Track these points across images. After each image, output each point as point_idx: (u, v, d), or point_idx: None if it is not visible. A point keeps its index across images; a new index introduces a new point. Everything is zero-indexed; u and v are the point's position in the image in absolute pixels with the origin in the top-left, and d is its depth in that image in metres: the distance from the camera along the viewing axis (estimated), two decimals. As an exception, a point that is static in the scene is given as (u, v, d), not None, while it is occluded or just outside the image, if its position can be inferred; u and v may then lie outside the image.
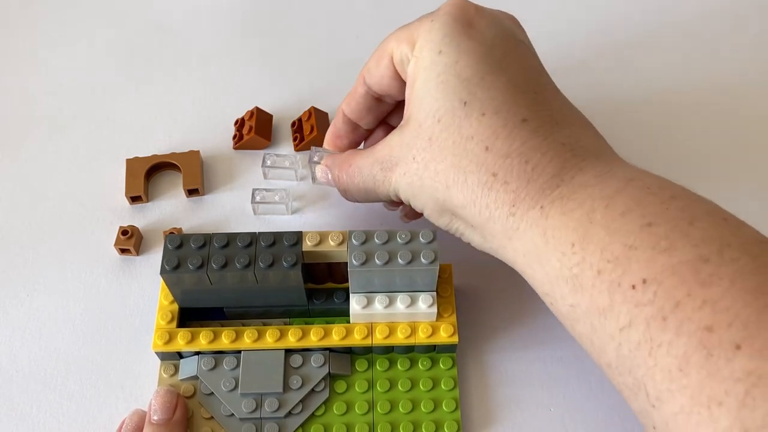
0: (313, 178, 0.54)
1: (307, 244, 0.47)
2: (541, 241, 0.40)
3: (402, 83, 0.48)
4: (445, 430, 0.47)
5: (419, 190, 0.45)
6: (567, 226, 0.40)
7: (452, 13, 0.44)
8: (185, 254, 0.46)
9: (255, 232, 0.47)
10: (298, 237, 0.47)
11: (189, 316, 0.50)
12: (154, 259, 0.56)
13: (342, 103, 0.53)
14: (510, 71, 0.43)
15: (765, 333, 0.33)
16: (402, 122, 0.46)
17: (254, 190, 0.57)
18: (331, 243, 0.47)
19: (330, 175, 0.52)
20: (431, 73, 0.43)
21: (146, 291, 0.54)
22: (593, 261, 0.38)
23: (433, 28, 0.44)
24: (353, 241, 0.46)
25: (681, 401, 0.34)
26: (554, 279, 0.40)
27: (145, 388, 0.50)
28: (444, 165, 0.43)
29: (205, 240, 0.47)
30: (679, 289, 0.35)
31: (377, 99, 0.51)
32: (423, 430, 0.47)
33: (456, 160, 0.42)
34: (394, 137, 0.46)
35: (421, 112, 0.44)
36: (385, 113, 0.54)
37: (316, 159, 0.53)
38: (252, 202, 0.57)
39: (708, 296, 0.34)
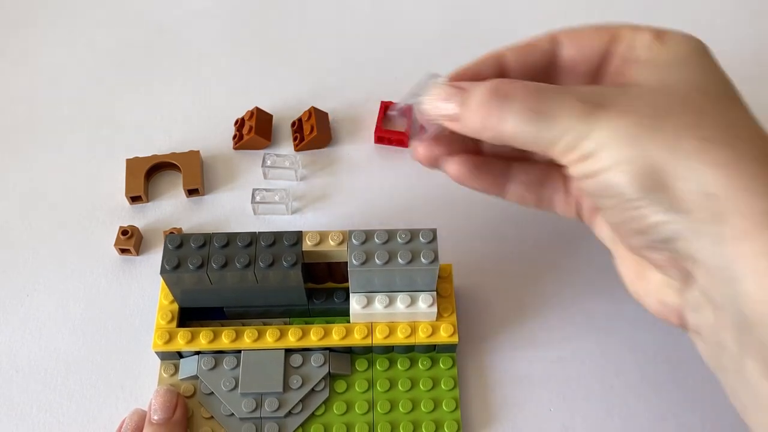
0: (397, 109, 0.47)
1: (307, 244, 0.47)
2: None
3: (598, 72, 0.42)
4: (445, 429, 0.47)
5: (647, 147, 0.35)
6: None
7: (694, 39, 0.39)
8: (185, 254, 0.46)
9: (255, 232, 0.47)
10: (298, 237, 0.47)
11: (189, 315, 0.50)
12: (154, 259, 0.56)
13: (505, 50, 0.43)
14: (738, 99, 0.38)
15: None
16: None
17: (254, 190, 0.57)
18: (331, 243, 0.47)
19: (464, 105, 0.39)
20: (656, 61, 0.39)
21: (146, 291, 0.54)
22: None
23: (691, 43, 0.39)
24: (353, 240, 0.46)
25: None
26: None
27: (145, 387, 0.50)
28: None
29: (205, 240, 0.47)
30: None
31: (555, 67, 0.43)
32: (423, 429, 0.47)
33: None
34: (599, 88, 0.38)
35: (673, 81, 0.37)
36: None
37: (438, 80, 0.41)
38: (252, 202, 0.57)
39: None
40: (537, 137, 0.37)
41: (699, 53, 0.39)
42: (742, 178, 0.33)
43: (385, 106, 0.63)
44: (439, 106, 0.40)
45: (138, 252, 0.56)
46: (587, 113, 0.35)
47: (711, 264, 0.34)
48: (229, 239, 0.47)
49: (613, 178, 0.35)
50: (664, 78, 0.37)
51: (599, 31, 0.41)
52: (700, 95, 0.36)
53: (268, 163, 0.58)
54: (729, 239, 0.33)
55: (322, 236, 0.48)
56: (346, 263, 0.47)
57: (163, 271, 0.46)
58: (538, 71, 0.42)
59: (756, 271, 0.32)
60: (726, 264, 0.33)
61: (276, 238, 0.47)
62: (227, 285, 0.47)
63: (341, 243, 0.47)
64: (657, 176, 0.34)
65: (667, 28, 0.40)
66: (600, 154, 0.35)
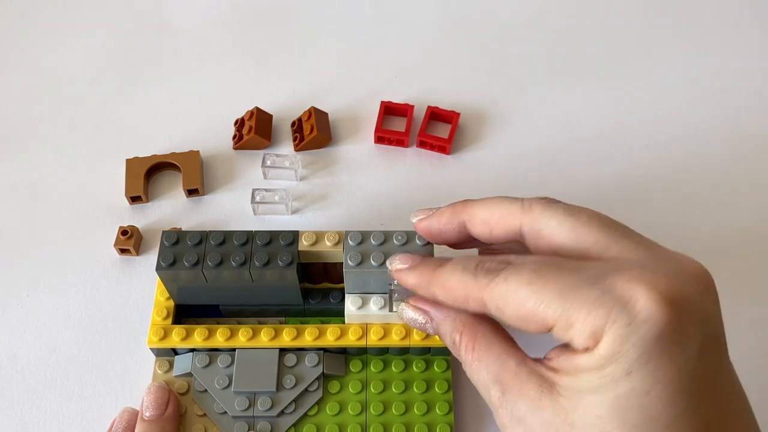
0: (392, 308, 0.46)
1: (303, 244, 0.47)
2: None
3: None
4: (438, 432, 0.47)
5: None
6: None
7: (658, 322, 0.32)
8: (181, 251, 0.47)
9: (251, 231, 0.48)
10: (294, 236, 0.47)
11: (185, 313, 0.51)
12: (153, 259, 0.55)
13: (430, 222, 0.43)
14: (704, 409, 0.33)
15: None
16: (544, 383, 0.35)
17: (254, 191, 0.57)
18: (327, 243, 0.47)
19: (434, 325, 0.41)
20: (613, 398, 0.33)
21: (146, 291, 0.54)
22: None
23: (631, 338, 0.32)
24: (349, 241, 0.46)
25: None
26: None
27: (145, 387, 0.50)
28: None
29: (202, 237, 0.47)
30: None
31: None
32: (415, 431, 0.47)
33: None
34: (528, 387, 0.36)
35: (581, 422, 0.34)
36: None
37: (396, 296, 0.44)
38: (252, 202, 0.57)
39: None
40: None
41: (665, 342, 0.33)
42: None
43: (385, 106, 0.63)
44: (407, 320, 0.42)
45: (138, 252, 0.56)
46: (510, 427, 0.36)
47: None
48: (226, 237, 0.47)
49: None
50: (581, 400, 0.34)
51: (529, 314, 0.35)
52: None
53: (268, 163, 0.58)
54: None
55: (318, 236, 0.48)
56: (342, 264, 0.47)
57: (158, 268, 0.46)
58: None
59: None
60: None
61: (272, 237, 0.47)
62: (223, 283, 0.47)
63: (337, 243, 0.47)
64: None
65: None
66: None
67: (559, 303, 0.33)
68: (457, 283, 0.37)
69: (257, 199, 0.57)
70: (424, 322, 0.41)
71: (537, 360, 0.36)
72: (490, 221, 0.40)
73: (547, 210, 0.38)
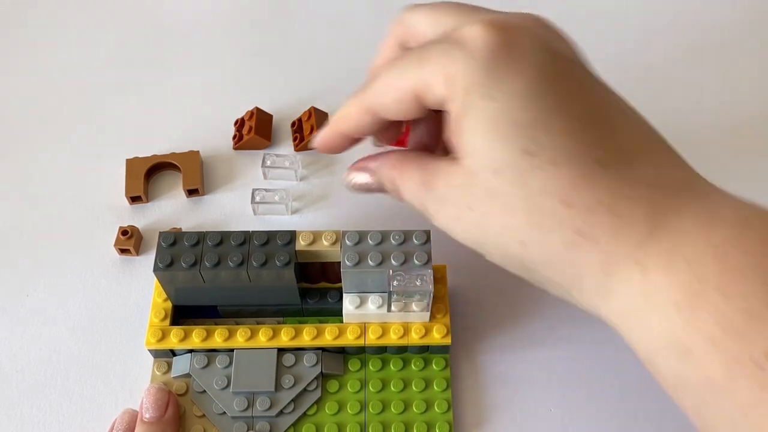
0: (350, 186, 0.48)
1: (301, 244, 0.47)
2: (640, 301, 0.35)
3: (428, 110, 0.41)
4: (437, 430, 0.47)
5: (482, 240, 0.40)
6: (669, 284, 0.34)
7: (487, 42, 0.37)
8: (179, 252, 0.47)
9: (248, 231, 0.48)
10: (291, 236, 0.47)
11: (183, 314, 0.51)
12: (153, 259, 0.56)
13: (338, 124, 0.46)
14: (570, 104, 0.37)
15: None
16: (453, 156, 0.40)
17: (254, 191, 0.57)
18: (325, 243, 0.47)
19: (376, 178, 0.45)
20: (481, 121, 0.37)
21: (146, 291, 0.54)
22: (703, 327, 0.33)
23: (470, 66, 0.37)
24: (346, 241, 0.46)
25: None
26: (657, 344, 0.35)
27: (145, 387, 0.50)
28: (515, 221, 0.37)
29: (199, 238, 0.47)
30: None
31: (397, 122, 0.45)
32: (414, 430, 0.47)
33: (528, 217, 0.37)
34: (442, 167, 0.40)
35: (475, 161, 0.38)
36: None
37: (395, 297, 0.47)
38: (252, 203, 0.57)
39: None
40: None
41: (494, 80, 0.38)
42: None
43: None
44: (358, 184, 0.47)
45: (138, 252, 0.56)
46: (435, 211, 0.41)
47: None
48: (223, 238, 0.47)
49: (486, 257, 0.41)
50: (465, 144, 0.38)
51: (399, 95, 0.41)
52: (493, 177, 0.37)
53: (268, 163, 0.58)
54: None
55: (316, 236, 0.48)
56: (339, 263, 0.47)
57: (156, 269, 0.46)
58: (392, 128, 0.47)
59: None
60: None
61: (269, 237, 0.47)
62: (220, 283, 0.47)
63: (334, 243, 0.47)
64: (520, 264, 0.40)
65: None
66: (463, 243, 0.41)
67: (416, 69, 0.39)
68: (348, 108, 0.44)
69: (257, 199, 0.57)
70: (369, 179, 0.46)
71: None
72: (354, 126, 0.44)
73: (412, 14, 0.44)
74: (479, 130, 0.37)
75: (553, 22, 0.40)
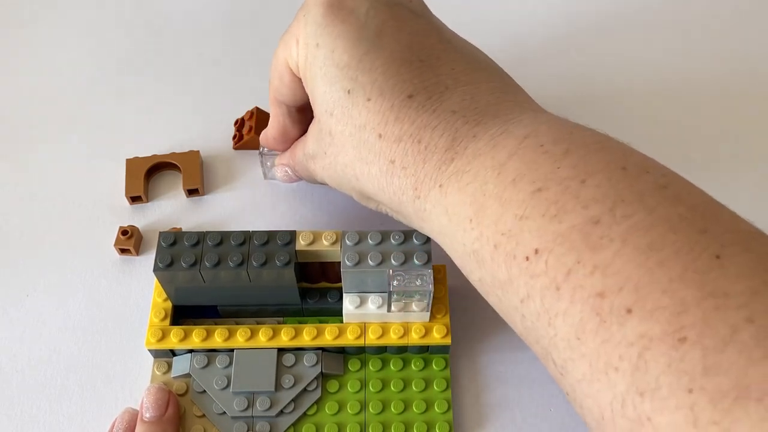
0: (266, 175, 0.58)
1: (301, 244, 0.47)
2: (445, 220, 0.40)
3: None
4: (437, 430, 0.47)
5: (339, 182, 0.46)
6: (464, 202, 0.39)
7: (322, 2, 0.43)
8: (179, 252, 0.47)
9: (248, 231, 0.48)
10: (291, 236, 0.47)
11: (183, 314, 0.51)
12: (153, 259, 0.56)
13: (268, 135, 0.53)
14: (389, 45, 0.41)
15: (656, 294, 0.32)
16: (316, 115, 0.46)
17: (262, 155, 0.57)
18: (325, 243, 0.47)
19: (290, 170, 0.53)
20: (314, 68, 0.43)
21: (146, 291, 0.54)
22: (489, 235, 0.38)
23: (307, 22, 0.43)
24: (346, 241, 0.46)
25: (582, 369, 0.34)
26: (461, 255, 0.40)
27: (145, 387, 0.50)
28: (348, 157, 0.43)
29: (199, 238, 0.47)
30: (569, 256, 0.34)
31: (301, 110, 0.50)
32: (414, 430, 0.47)
33: (356, 152, 0.42)
34: (311, 129, 0.47)
35: (316, 107, 0.44)
36: None
37: (269, 164, 0.57)
38: (262, 166, 0.58)
39: (598, 261, 0.33)
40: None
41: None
42: None
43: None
44: (284, 178, 0.56)
45: (138, 252, 0.56)
46: (314, 170, 0.49)
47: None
48: (223, 238, 0.47)
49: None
50: (310, 94, 0.46)
51: (279, 72, 0.47)
52: (329, 118, 0.44)
53: (268, 164, 0.58)
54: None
55: (316, 236, 0.48)
56: (339, 263, 0.47)
57: (156, 269, 0.46)
58: (305, 121, 0.51)
59: None
60: None
61: (269, 237, 0.47)
62: (220, 283, 0.47)
63: (334, 243, 0.47)
64: (366, 196, 0.47)
65: None
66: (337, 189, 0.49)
67: (281, 42, 0.46)
68: (270, 114, 0.52)
69: (268, 164, 0.57)
70: (287, 171, 0.54)
71: None
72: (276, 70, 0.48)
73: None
74: (314, 76, 0.43)
75: None
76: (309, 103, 0.47)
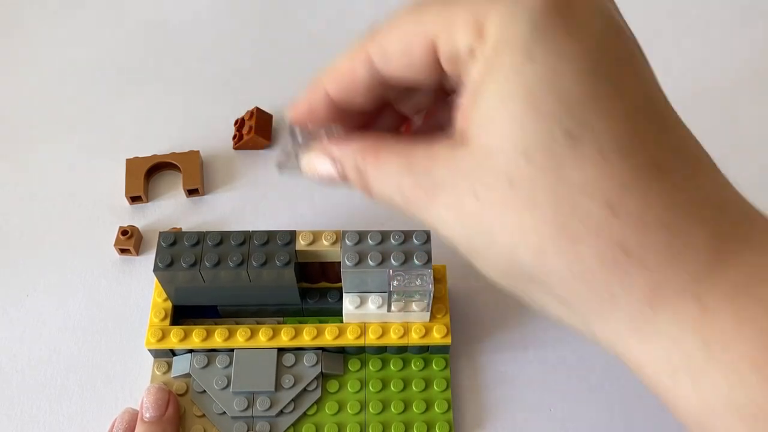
0: (281, 167, 0.39)
1: (301, 243, 0.47)
2: (699, 351, 0.28)
3: (441, 74, 0.33)
4: (437, 430, 0.47)
5: (480, 240, 0.31)
6: (743, 335, 0.28)
7: None
8: (179, 252, 0.47)
9: (248, 231, 0.48)
10: (291, 236, 0.47)
11: (183, 314, 0.51)
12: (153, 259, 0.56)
13: (324, 79, 0.36)
14: (631, 88, 0.29)
15: None
16: (454, 133, 0.32)
17: (296, 134, 0.38)
18: (325, 243, 0.47)
19: (340, 168, 0.35)
20: (515, 86, 0.29)
21: (146, 291, 0.54)
22: None
23: (517, 14, 0.29)
24: (346, 241, 0.46)
25: None
26: (717, 407, 0.28)
27: (145, 387, 0.50)
28: (535, 221, 0.29)
29: (199, 238, 0.47)
30: None
31: (386, 84, 0.35)
32: (414, 430, 0.47)
33: (558, 218, 0.29)
34: (442, 150, 0.31)
35: (495, 138, 0.29)
36: (395, 98, 0.37)
37: (301, 140, 0.37)
38: (289, 153, 0.40)
39: None
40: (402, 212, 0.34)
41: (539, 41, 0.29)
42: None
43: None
44: (320, 174, 0.37)
45: (138, 252, 0.56)
46: (421, 201, 0.32)
47: None
48: (223, 238, 0.47)
49: (476, 262, 0.33)
50: (484, 115, 0.30)
51: (407, 39, 0.32)
52: (517, 160, 0.29)
53: (299, 150, 0.38)
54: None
55: (316, 236, 0.48)
56: (339, 263, 0.47)
57: (156, 269, 0.46)
58: (374, 94, 0.35)
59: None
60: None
61: (269, 237, 0.47)
62: (220, 283, 0.47)
63: (334, 243, 0.47)
64: (525, 273, 0.31)
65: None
66: (448, 241, 0.33)
67: (440, 10, 0.31)
68: (342, 59, 0.35)
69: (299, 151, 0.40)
70: (332, 168, 0.36)
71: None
72: (346, 84, 0.35)
73: (390, 22, 0.33)
74: (507, 97, 0.29)
75: None
76: (418, 90, 0.36)
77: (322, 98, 0.36)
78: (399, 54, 0.32)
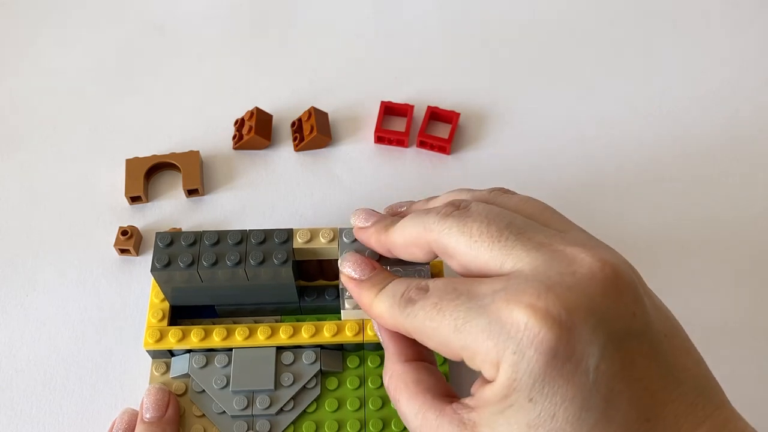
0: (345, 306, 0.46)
1: (298, 241, 0.47)
2: None
3: None
4: (436, 427, 0.47)
5: None
6: None
7: (544, 343, 0.31)
8: (176, 252, 0.46)
9: (245, 230, 0.47)
10: (288, 234, 0.47)
11: (180, 314, 0.50)
12: (152, 259, 0.56)
13: (391, 240, 0.41)
14: (619, 413, 0.32)
15: None
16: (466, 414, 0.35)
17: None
18: (322, 240, 0.47)
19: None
20: (519, 421, 0.32)
21: (146, 291, 0.54)
22: None
23: (519, 364, 0.32)
24: (343, 238, 0.46)
25: None
26: None
27: (145, 388, 0.50)
28: None
29: (196, 237, 0.47)
30: None
31: None
32: (414, 427, 0.47)
33: None
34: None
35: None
36: None
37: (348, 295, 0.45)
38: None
39: None
40: None
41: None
42: None
43: (385, 106, 0.63)
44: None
45: (138, 252, 0.56)
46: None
47: None
48: (220, 237, 0.47)
49: None
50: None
51: (442, 342, 0.36)
52: None
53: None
54: None
55: (313, 233, 0.47)
56: (337, 260, 0.47)
57: (153, 270, 0.46)
58: None
59: None
60: None
61: (266, 235, 0.47)
62: (218, 283, 0.47)
63: (332, 240, 0.47)
64: None
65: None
66: None
67: (457, 337, 0.34)
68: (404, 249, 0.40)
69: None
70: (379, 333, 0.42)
71: (459, 403, 0.35)
72: (410, 248, 0.40)
73: (444, 228, 0.37)
74: (514, 428, 0.32)
75: (614, 269, 0.34)
76: None
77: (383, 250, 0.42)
78: (436, 348, 0.36)
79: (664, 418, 0.33)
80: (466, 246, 0.36)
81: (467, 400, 0.35)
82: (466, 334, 0.33)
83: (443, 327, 0.34)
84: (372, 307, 0.40)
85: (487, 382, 0.33)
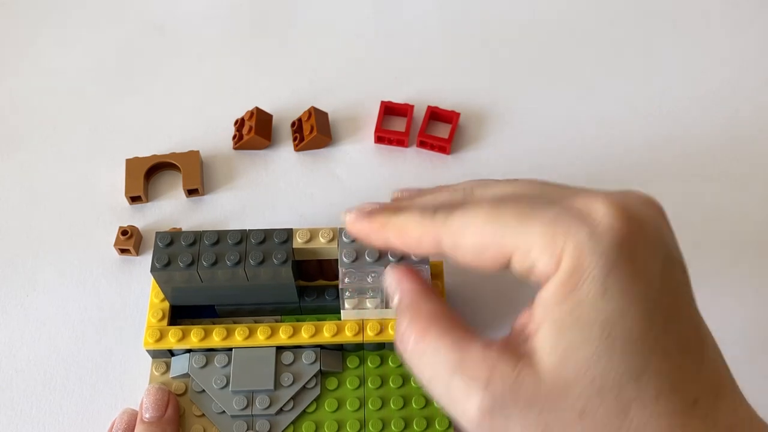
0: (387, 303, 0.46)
1: (298, 241, 0.47)
2: None
3: (506, 269, 0.34)
4: (437, 426, 0.47)
5: None
6: None
7: (613, 227, 0.31)
8: (176, 252, 0.46)
9: (245, 229, 0.47)
10: (288, 234, 0.47)
11: (180, 314, 0.50)
12: (152, 259, 0.56)
13: (389, 231, 0.38)
14: (678, 323, 0.31)
15: None
16: (517, 343, 0.33)
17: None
18: (322, 240, 0.47)
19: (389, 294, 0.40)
20: (591, 321, 0.30)
21: (146, 291, 0.54)
22: None
23: (596, 252, 0.30)
24: (343, 238, 0.46)
25: None
26: None
27: (145, 388, 0.50)
28: None
29: (196, 237, 0.47)
30: None
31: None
32: (414, 426, 0.47)
33: None
34: (503, 365, 0.32)
35: (573, 372, 0.30)
36: None
37: (348, 295, 0.46)
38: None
39: None
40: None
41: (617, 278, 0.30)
42: None
43: (385, 106, 0.63)
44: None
45: (138, 252, 0.56)
46: (468, 410, 0.32)
47: None
48: (220, 237, 0.47)
49: None
50: (558, 343, 0.31)
51: (482, 247, 0.34)
52: (590, 393, 0.30)
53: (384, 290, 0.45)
54: None
55: (313, 233, 0.47)
56: (337, 260, 0.47)
57: (153, 270, 0.46)
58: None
59: None
60: None
61: (266, 235, 0.47)
62: (218, 283, 0.47)
63: (331, 240, 0.47)
64: None
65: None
66: None
67: (517, 226, 0.32)
68: (413, 225, 0.36)
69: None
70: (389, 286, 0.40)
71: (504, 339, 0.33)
72: (411, 245, 0.37)
73: (466, 218, 0.34)
74: (588, 337, 0.30)
75: (661, 206, 0.35)
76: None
77: (382, 240, 0.38)
78: (470, 251, 0.34)
79: (702, 352, 0.32)
80: (492, 233, 0.34)
81: (521, 330, 0.33)
82: (530, 221, 0.32)
83: (500, 220, 0.33)
84: (392, 220, 0.37)
85: (537, 296, 0.32)
